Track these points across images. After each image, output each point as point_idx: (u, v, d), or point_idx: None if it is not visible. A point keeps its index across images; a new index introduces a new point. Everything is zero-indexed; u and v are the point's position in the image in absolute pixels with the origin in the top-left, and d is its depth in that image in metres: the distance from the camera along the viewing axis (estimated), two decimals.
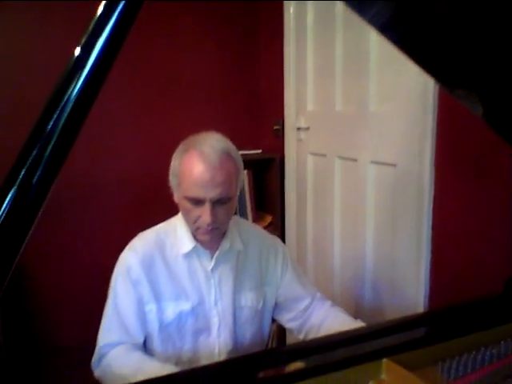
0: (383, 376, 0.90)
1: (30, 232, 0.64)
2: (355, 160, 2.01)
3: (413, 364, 0.90)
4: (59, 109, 0.62)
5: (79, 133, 0.66)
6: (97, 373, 1.27)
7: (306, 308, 1.43)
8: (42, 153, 0.62)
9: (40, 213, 0.65)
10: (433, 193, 1.65)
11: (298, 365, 0.87)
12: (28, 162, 0.62)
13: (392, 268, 1.86)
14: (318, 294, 1.47)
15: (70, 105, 0.62)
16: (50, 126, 0.62)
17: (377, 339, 0.98)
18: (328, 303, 1.45)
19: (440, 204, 1.63)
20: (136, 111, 2.62)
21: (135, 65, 2.52)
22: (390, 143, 1.81)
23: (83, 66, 0.63)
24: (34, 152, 0.62)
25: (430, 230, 1.67)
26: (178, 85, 2.69)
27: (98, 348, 1.28)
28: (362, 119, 1.95)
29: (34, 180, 0.62)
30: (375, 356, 0.90)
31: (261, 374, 0.86)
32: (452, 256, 1.62)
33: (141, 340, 1.30)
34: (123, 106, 2.56)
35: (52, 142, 0.62)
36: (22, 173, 0.61)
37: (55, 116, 0.62)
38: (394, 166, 1.79)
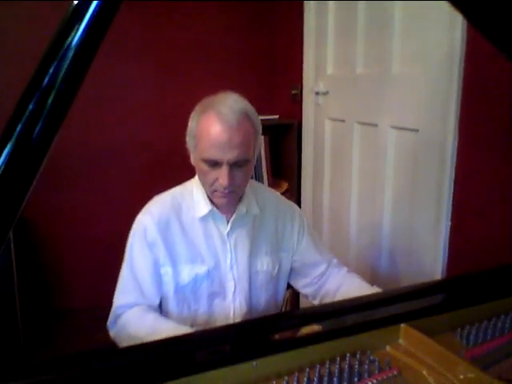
0: (401, 341, 0.88)
1: (32, 185, 0.63)
2: (375, 125, 1.96)
3: (431, 330, 0.88)
4: (58, 58, 0.59)
5: (81, 84, 0.63)
6: (112, 333, 1.29)
7: (322, 274, 1.42)
8: (42, 105, 0.59)
9: (41, 168, 0.63)
10: (455, 159, 1.60)
11: (314, 328, 0.86)
12: (25, 116, 0.59)
13: (410, 236, 1.83)
14: (335, 260, 1.46)
15: (70, 53, 0.59)
16: (48, 78, 0.59)
17: (395, 304, 0.96)
18: (344, 269, 1.43)
19: (462, 171, 1.59)
20: (153, 74, 2.59)
21: (153, 28, 2.48)
22: (413, 107, 1.75)
23: (84, 12, 0.59)
24: (31, 106, 0.59)
25: (451, 198, 1.62)
26: (194, 47, 2.65)
27: (113, 309, 1.29)
28: (383, 82, 1.89)
29: (34, 135, 0.59)
30: (393, 321, 0.88)
31: (276, 336, 0.85)
32: (472, 224, 1.58)
33: (156, 301, 1.31)
34: (140, 68, 2.53)
35: (52, 95, 0.59)
36: (19, 128, 0.59)
37: (54, 66, 0.59)
38: (416, 131, 1.73)
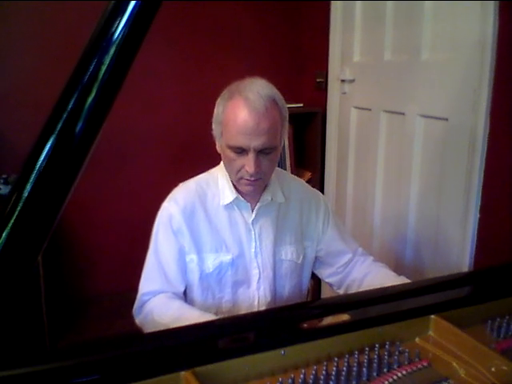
0: (431, 332, 0.87)
1: (76, 181, 0.63)
2: (402, 114, 1.92)
3: (461, 322, 0.87)
4: (100, 52, 0.58)
5: (124, 80, 0.62)
6: (138, 320, 1.30)
7: (347, 263, 1.41)
8: (83, 102, 0.59)
9: (84, 164, 0.63)
10: (486, 150, 1.56)
11: (343, 317, 0.85)
12: (66, 113, 0.59)
13: (436, 228, 1.79)
14: (360, 249, 1.44)
15: (113, 48, 0.58)
16: (90, 72, 0.58)
17: (425, 295, 0.95)
18: (370, 258, 1.42)
19: (493, 163, 1.55)
20: (178, 60, 2.58)
21: (178, 13, 2.46)
22: (442, 95, 1.71)
23: (127, 4, 0.58)
24: (71, 104, 0.59)
25: (480, 190, 1.59)
26: (219, 34, 2.63)
27: (139, 296, 1.30)
28: (412, 69, 1.85)
29: (77, 130, 0.59)
30: (423, 312, 0.87)
31: (304, 325, 0.85)
32: (501, 217, 1.54)
33: (181, 289, 1.31)
34: (164, 56, 2.52)
35: (94, 90, 0.59)
36: (60, 124, 0.59)
37: (95, 61, 0.58)
38: (446, 120, 1.70)
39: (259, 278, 1.33)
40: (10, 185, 2.08)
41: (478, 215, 1.61)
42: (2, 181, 2.08)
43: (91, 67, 0.57)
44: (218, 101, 1.22)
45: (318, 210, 1.40)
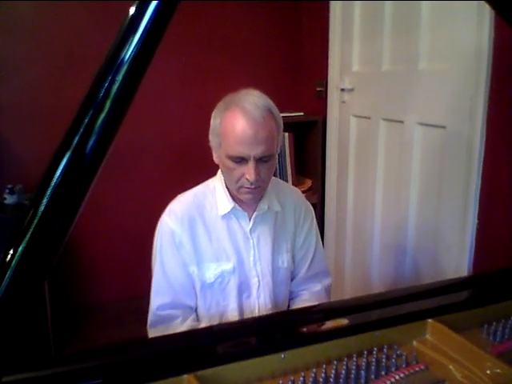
0: (428, 336, 0.89)
1: (88, 193, 0.66)
2: (401, 122, 1.95)
3: (458, 326, 0.89)
4: (113, 72, 0.61)
5: (134, 96, 0.65)
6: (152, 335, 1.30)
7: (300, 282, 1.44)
8: (94, 121, 0.62)
9: (95, 179, 0.65)
10: (483, 157, 1.58)
11: (342, 322, 0.87)
12: (81, 130, 0.62)
13: (435, 234, 1.81)
14: (321, 273, 1.46)
15: (124, 68, 0.61)
16: (103, 91, 0.61)
17: (423, 300, 0.97)
18: (316, 286, 1.44)
19: (490, 169, 1.57)
20: (178, 71, 2.60)
21: (179, 24, 2.49)
22: (440, 104, 1.73)
23: (138, 26, 0.61)
24: (86, 120, 0.62)
25: (478, 197, 1.61)
26: (220, 45, 2.65)
27: (152, 310, 1.30)
28: (410, 78, 1.88)
29: (88, 148, 0.62)
30: (420, 316, 0.89)
31: (304, 329, 0.87)
32: (499, 223, 1.56)
33: (191, 299, 1.32)
34: (163, 66, 2.54)
35: (105, 109, 0.62)
36: (75, 141, 0.62)
37: (109, 80, 0.61)
38: (443, 127, 1.72)
39: (259, 286, 1.33)
40: (16, 194, 2.10)
41: (476, 221, 1.62)
42: (7, 191, 2.10)
43: (105, 84, 0.60)
44: (214, 113, 1.24)
45: (305, 220, 1.42)
